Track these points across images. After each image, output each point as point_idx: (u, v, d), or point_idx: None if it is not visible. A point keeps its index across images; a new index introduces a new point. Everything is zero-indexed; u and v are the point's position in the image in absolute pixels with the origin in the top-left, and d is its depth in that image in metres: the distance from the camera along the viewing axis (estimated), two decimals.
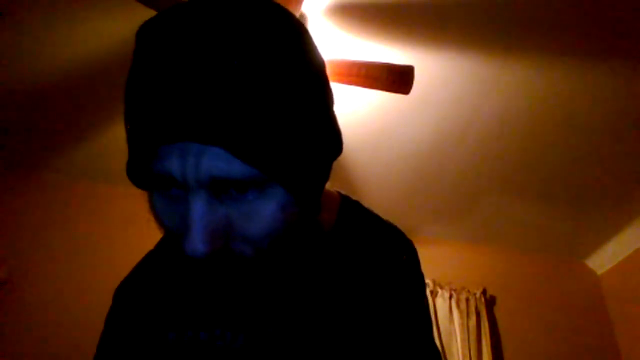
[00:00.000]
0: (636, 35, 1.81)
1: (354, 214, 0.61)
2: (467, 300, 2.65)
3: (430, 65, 1.98)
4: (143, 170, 0.42)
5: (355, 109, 2.19)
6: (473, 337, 2.51)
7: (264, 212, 0.40)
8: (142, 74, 0.38)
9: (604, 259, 2.99)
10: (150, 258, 0.68)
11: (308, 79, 0.40)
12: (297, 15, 1.61)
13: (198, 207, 0.38)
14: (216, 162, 0.37)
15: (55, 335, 2.20)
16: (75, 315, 2.27)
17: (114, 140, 2.43)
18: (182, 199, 0.41)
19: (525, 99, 2.10)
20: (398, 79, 1.81)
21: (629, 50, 1.87)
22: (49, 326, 2.22)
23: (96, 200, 2.66)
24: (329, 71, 1.79)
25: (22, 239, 2.42)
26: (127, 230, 2.62)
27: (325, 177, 0.47)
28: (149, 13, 1.62)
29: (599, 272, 3.04)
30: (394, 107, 2.17)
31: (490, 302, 2.75)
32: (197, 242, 0.38)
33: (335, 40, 1.91)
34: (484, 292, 2.72)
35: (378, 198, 2.63)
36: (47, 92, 2.18)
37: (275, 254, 0.43)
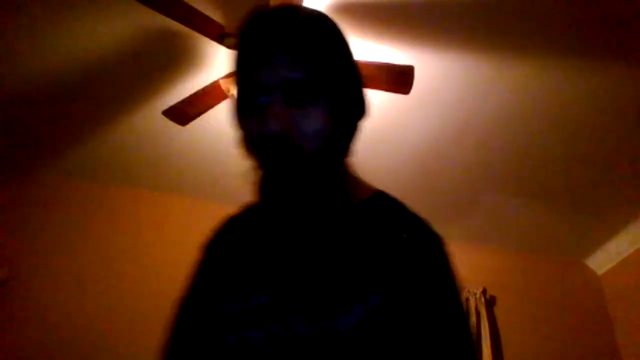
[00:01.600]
0: (636, 37, 1.81)
1: (384, 200, 0.70)
2: (467, 300, 2.65)
3: (430, 65, 1.98)
4: (244, 100, 0.63)
5: None
6: (473, 337, 2.51)
7: (315, 115, 0.60)
8: (252, 33, 0.63)
9: (604, 259, 2.99)
10: (232, 220, 0.79)
11: (345, 45, 0.71)
12: None
13: (275, 101, 0.59)
14: (286, 69, 0.59)
15: (55, 335, 2.20)
16: (75, 315, 2.27)
17: (113, 140, 2.43)
18: (265, 106, 0.60)
19: (525, 99, 2.10)
20: (398, 79, 1.81)
21: (629, 51, 1.87)
22: (48, 326, 2.22)
23: (96, 200, 2.66)
24: None
25: (22, 239, 2.42)
26: (127, 230, 2.62)
27: (356, 105, 0.68)
28: (149, 13, 1.62)
29: (599, 272, 3.04)
30: (394, 107, 2.17)
31: (490, 302, 2.75)
32: (272, 122, 0.58)
33: None
34: (484, 292, 2.72)
35: None
36: (47, 92, 2.18)
37: (324, 160, 0.62)
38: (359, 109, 0.69)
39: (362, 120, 0.69)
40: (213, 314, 0.62)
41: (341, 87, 0.64)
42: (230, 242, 0.73)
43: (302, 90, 0.60)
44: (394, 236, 0.62)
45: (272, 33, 0.61)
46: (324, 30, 0.67)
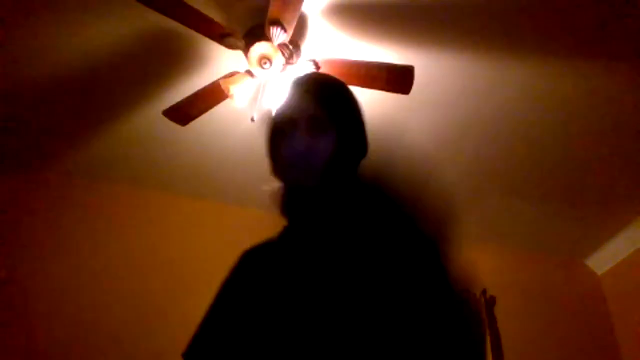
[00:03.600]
0: (636, 37, 1.81)
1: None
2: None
3: (430, 65, 1.98)
4: (276, 132, 0.87)
5: None
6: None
7: (326, 143, 0.81)
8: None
9: (604, 259, 2.99)
10: (269, 242, 0.95)
11: (353, 100, 0.93)
12: (297, 15, 1.61)
13: (301, 130, 0.82)
14: (311, 109, 0.83)
15: (55, 335, 2.20)
16: (75, 315, 2.27)
17: (114, 140, 2.43)
18: (292, 135, 0.83)
19: (525, 99, 2.11)
20: (398, 79, 1.81)
21: (629, 51, 1.87)
22: (48, 326, 2.22)
23: (96, 199, 2.66)
24: (328, 71, 1.79)
25: (22, 239, 2.42)
26: (127, 230, 2.62)
27: (358, 149, 0.89)
28: (150, 13, 1.62)
29: (599, 272, 3.04)
30: (393, 106, 2.17)
31: (490, 302, 2.75)
32: (299, 144, 0.80)
33: (335, 40, 1.91)
34: (484, 292, 2.72)
35: None
36: (48, 92, 2.18)
37: (331, 176, 0.80)
38: (360, 145, 0.90)
39: (362, 156, 0.90)
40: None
41: (347, 125, 0.87)
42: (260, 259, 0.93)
43: (320, 124, 0.82)
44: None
45: (303, 84, 0.88)
46: (338, 86, 0.92)
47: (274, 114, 0.89)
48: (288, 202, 0.85)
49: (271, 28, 1.65)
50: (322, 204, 0.81)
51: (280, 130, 0.85)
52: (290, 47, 1.83)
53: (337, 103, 0.87)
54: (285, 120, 0.85)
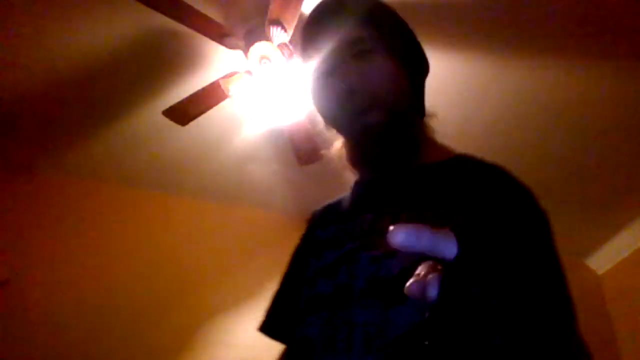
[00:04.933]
0: (636, 36, 1.81)
1: (463, 160, 0.73)
2: None
3: (430, 65, 1.98)
4: (318, 68, 0.71)
5: None
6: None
7: (383, 67, 0.68)
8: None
9: (604, 259, 2.99)
10: (333, 202, 0.82)
11: (398, 17, 0.79)
12: (297, 15, 1.61)
13: (346, 60, 0.68)
14: (355, 29, 0.69)
15: (55, 335, 2.20)
16: (75, 315, 2.27)
17: (114, 140, 2.43)
18: (338, 67, 0.68)
19: (525, 99, 2.11)
20: None
21: (629, 51, 1.87)
22: (49, 326, 2.22)
23: (96, 200, 2.66)
24: None
25: (22, 239, 2.42)
26: (127, 230, 2.62)
27: (417, 60, 0.78)
28: (150, 13, 1.62)
29: (600, 272, 3.04)
30: None
31: None
32: (347, 72, 0.66)
33: None
34: None
35: None
36: (48, 91, 2.18)
37: (400, 110, 0.68)
38: (421, 65, 0.79)
39: (426, 77, 0.79)
40: (302, 273, 0.70)
41: (401, 43, 0.73)
42: (324, 214, 0.79)
43: (365, 45, 0.67)
44: (467, 189, 0.61)
45: (336, 5, 0.71)
46: (381, 3, 0.77)
47: (310, 61, 0.73)
48: (363, 150, 0.67)
49: (271, 28, 1.65)
50: (404, 142, 0.67)
51: (324, 73, 0.69)
52: (290, 47, 1.83)
53: (378, 16, 0.73)
54: (325, 59, 0.68)
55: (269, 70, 1.79)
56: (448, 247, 0.35)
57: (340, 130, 0.72)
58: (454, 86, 2.07)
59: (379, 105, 0.65)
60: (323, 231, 0.73)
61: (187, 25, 1.67)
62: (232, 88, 1.82)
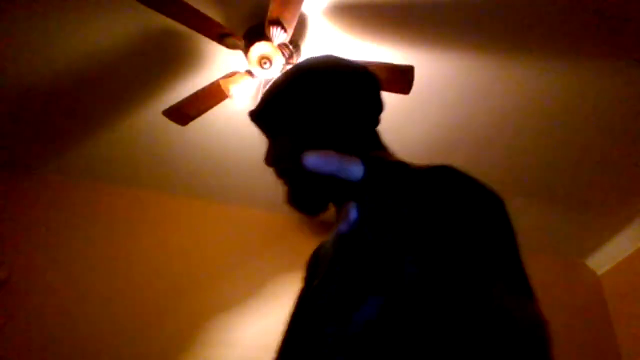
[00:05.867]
0: (637, 36, 1.81)
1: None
2: None
3: (430, 65, 1.98)
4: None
5: None
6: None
7: (283, 143, 0.79)
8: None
9: (604, 259, 2.99)
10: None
11: (312, 91, 0.79)
12: (297, 15, 1.61)
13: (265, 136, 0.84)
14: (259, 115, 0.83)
15: (55, 335, 2.20)
16: (75, 315, 2.27)
17: (114, 140, 2.43)
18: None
19: (525, 99, 2.11)
20: (398, 79, 1.81)
21: (629, 50, 1.87)
22: (48, 326, 2.22)
23: (96, 200, 2.66)
24: None
25: (22, 239, 2.42)
26: (127, 230, 2.62)
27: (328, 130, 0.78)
28: (149, 13, 1.62)
29: (599, 272, 3.04)
30: (393, 107, 2.17)
31: None
32: (268, 147, 0.84)
33: (335, 40, 1.91)
34: None
35: None
36: (48, 92, 2.18)
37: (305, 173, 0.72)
38: (356, 108, 0.80)
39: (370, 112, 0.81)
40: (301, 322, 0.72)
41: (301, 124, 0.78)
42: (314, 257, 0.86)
43: (269, 127, 0.82)
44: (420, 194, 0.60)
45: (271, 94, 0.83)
46: (281, 83, 0.82)
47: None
48: (295, 204, 0.79)
49: (271, 28, 1.65)
50: (324, 192, 0.76)
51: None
52: (290, 47, 1.83)
53: (274, 101, 0.81)
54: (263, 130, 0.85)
55: (269, 71, 1.80)
56: (354, 169, 0.40)
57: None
58: (455, 86, 2.07)
59: (295, 171, 0.75)
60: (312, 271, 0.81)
61: (187, 25, 1.67)
62: (232, 88, 1.82)
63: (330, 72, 0.80)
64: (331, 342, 0.54)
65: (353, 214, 0.41)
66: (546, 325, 0.52)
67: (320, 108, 0.76)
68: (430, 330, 0.48)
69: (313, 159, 0.39)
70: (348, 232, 0.43)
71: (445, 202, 0.55)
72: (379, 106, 0.83)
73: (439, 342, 0.47)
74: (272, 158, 0.80)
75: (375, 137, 0.83)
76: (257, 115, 0.84)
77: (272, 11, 1.59)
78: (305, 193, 0.76)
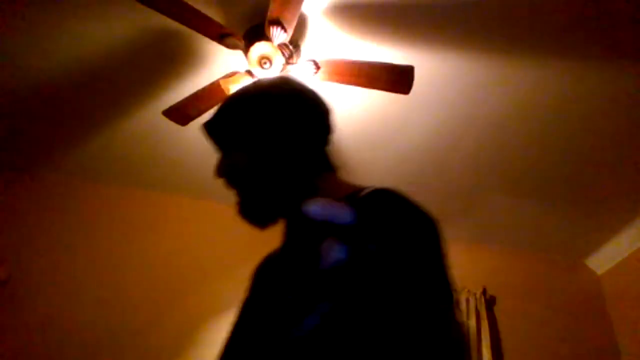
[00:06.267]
0: (637, 36, 1.81)
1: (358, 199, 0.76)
2: (467, 300, 2.65)
3: (430, 65, 1.98)
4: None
5: (355, 109, 2.19)
6: (473, 337, 2.51)
7: (237, 157, 0.84)
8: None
9: (604, 259, 2.99)
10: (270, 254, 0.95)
11: (264, 112, 0.84)
12: (297, 15, 1.61)
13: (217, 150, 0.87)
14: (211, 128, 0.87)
15: (55, 335, 2.20)
16: (75, 315, 2.27)
17: (114, 140, 2.43)
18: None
19: (525, 99, 2.10)
20: (398, 79, 1.81)
21: (629, 50, 1.87)
22: (49, 326, 2.22)
23: (96, 200, 2.66)
24: (329, 71, 1.79)
25: (22, 239, 2.42)
26: (127, 230, 2.62)
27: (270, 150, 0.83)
28: (150, 14, 1.62)
29: (599, 272, 3.04)
30: (393, 107, 2.17)
31: (490, 302, 2.75)
32: (219, 159, 0.86)
33: (335, 40, 1.91)
34: (484, 292, 2.72)
35: None
36: (48, 92, 2.18)
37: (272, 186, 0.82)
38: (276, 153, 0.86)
39: (319, 135, 0.86)
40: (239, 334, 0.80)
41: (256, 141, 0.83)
42: (260, 271, 0.92)
43: (224, 140, 0.84)
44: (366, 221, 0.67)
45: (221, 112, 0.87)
46: (232, 101, 0.88)
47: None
48: (246, 216, 0.86)
49: (271, 28, 1.65)
50: (275, 207, 0.83)
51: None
52: (290, 47, 1.83)
53: (226, 116, 0.86)
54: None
55: (269, 71, 1.79)
56: (346, 215, 0.49)
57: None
58: (455, 86, 2.07)
59: (247, 183, 0.84)
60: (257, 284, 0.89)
61: (187, 25, 1.67)
62: (232, 88, 1.82)
63: (282, 94, 0.85)
64: (279, 345, 0.62)
65: (340, 253, 0.49)
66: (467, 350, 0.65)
67: (270, 127, 0.81)
68: (365, 337, 0.58)
69: (315, 209, 0.47)
70: (337, 268, 0.52)
71: (384, 232, 0.65)
72: (327, 128, 0.87)
73: (371, 347, 0.57)
74: (222, 170, 0.85)
75: (325, 158, 0.87)
76: (209, 128, 0.87)
77: (272, 11, 1.59)
78: (255, 206, 0.84)
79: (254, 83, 0.91)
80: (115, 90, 2.17)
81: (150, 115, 2.23)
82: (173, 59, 2.01)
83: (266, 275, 0.86)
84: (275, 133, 0.82)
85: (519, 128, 2.24)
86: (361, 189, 0.80)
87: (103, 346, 2.22)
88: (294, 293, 0.62)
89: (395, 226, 0.66)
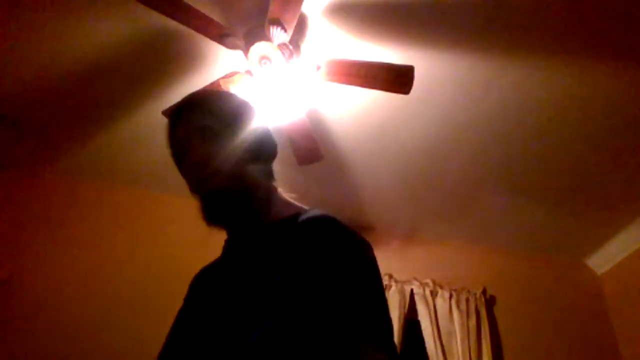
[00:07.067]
0: (637, 35, 1.81)
1: (299, 217, 0.82)
2: (467, 300, 2.64)
3: (430, 65, 1.98)
4: (177, 159, 0.96)
5: (355, 109, 2.19)
6: (473, 337, 2.51)
7: (219, 146, 0.87)
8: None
9: (604, 259, 2.99)
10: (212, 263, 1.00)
11: (235, 109, 0.96)
12: (297, 15, 1.61)
13: (195, 143, 0.89)
14: (199, 120, 0.89)
15: (55, 335, 2.20)
16: (75, 315, 2.27)
17: (114, 140, 2.43)
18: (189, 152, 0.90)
19: (525, 99, 2.11)
20: (398, 79, 1.81)
21: (629, 50, 1.87)
22: (48, 326, 2.22)
23: (96, 200, 2.66)
24: (329, 71, 1.79)
25: (22, 239, 2.42)
26: (127, 230, 2.62)
27: (256, 146, 0.92)
28: (150, 13, 1.62)
29: (599, 272, 3.04)
30: (393, 107, 2.17)
31: (490, 302, 2.75)
32: (194, 155, 0.89)
33: (336, 40, 1.91)
34: (484, 292, 2.72)
35: (377, 198, 2.63)
36: (48, 92, 2.18)
37: (237, 177, 0.86)
38: (262, 138, 0.94)
39: (270, 147, 0.95)
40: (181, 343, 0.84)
41: (234, 128, 0.89)
42: (199, 280, 0.98)
43: (209, 131, 0.86)
44: (302, 245, 0.74)
45: (182, 106, 0.93)
46: (213, 96, 0.99)
47: (168, 144, 0.96)
48: (207, 213, 0.88)
49: (271, 28, 1.65)
50: (244, 202, 0.85)
51: (180, 152, 0.92)
52: (290, 47, 1.83)
53: (220, 109, 0.91)
54: (180, 141, 0.90)
55: (269, 71, 1.80)
56: (289, 239, 0.61)
57: (195, 195, 0.90)
58: (455, 86, 2.07)
59: (219, 173, 0.84)
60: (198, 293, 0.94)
61: (187, 25, 1.67)
62: (232, 88, 1.82)
63: (244, 103, 0.97)
64: (226, 353, 0.67)
65: (280, 276, 0.63)
66: None
67: (228, 127, 0.88)
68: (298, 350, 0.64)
69: (265, 229, 0.57)
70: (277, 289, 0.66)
71: (321, 258, 0.71)
72: (274, 144, 0.97)
73: None
74: (192, 167, 0.89)
75: (271, 173, 0.95)
76: (172, 114, 0.93)
77: (272, 11, 1.59)
78: (210, 209, 0.88)
79: (208, 90, 0.99)
80: (115, 90, 2.17)
81: (151, 115, 2.23)
82: (173, 59, 2.01)
83: (206, 287, 0.90)
84: (233, 136, 0.88)
85: (519, 128, 2.24)
86: (301, 211, 0.86)
87: (103, 345, 2.22)
88: (240, 309, 0.71)
89: (331, 252, 0.72)
